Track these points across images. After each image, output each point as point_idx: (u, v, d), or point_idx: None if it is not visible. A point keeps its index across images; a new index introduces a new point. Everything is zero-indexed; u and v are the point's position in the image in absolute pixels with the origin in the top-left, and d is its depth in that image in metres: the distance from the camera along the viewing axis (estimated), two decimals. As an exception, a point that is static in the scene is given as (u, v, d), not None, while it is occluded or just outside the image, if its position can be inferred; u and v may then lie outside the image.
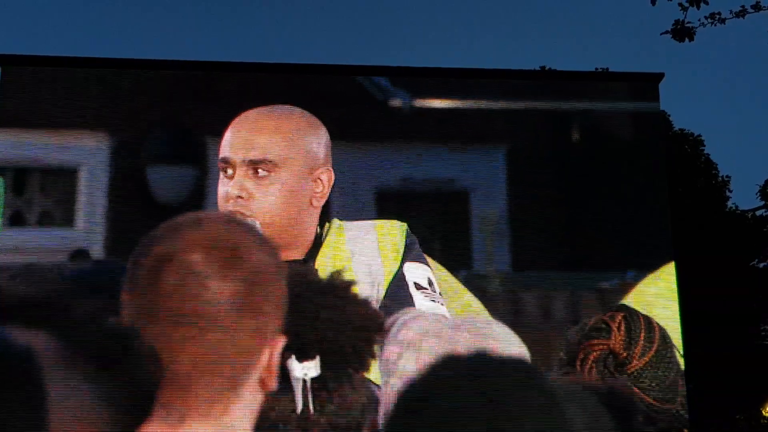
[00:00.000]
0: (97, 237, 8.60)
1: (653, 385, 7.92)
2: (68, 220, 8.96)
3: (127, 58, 10.38)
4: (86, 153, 9.17)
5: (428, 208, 9.44)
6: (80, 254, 8.55)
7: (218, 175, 7.58)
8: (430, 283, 7.89)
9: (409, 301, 7.95)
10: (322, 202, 7.49)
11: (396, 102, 9.77)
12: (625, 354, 8.20)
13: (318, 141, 7.68)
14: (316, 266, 7.44)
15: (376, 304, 6.23)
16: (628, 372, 8.11)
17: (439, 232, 9.13)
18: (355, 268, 8.08)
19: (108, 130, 9.21)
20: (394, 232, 8.56)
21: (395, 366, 4.56)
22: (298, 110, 8.15)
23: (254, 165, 7.20)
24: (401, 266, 8.16)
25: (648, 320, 8.31)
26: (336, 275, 5.03)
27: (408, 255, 8.18)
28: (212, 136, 8.78)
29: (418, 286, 7.97)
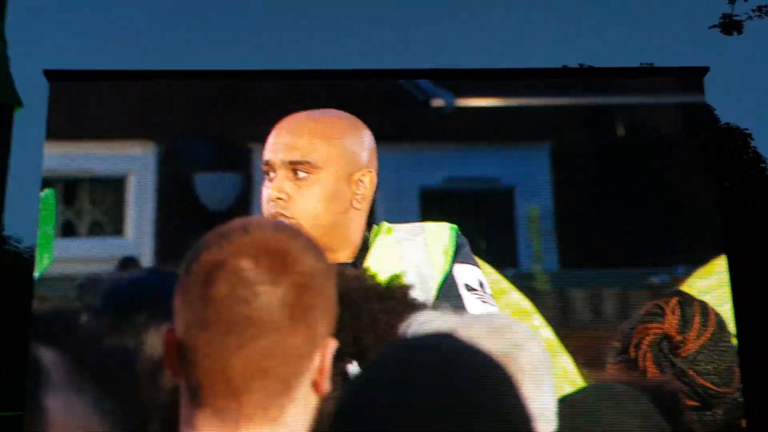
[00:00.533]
0: (147, 245, 8.69)
1: (709, 368, 7.74)
2: (118, 229, 9.06)
3: (171, 69, 10.48)
4: (134, 162, 9.28)
5: (472, 207, 9.43)
6: (129, 262, 8.65)
7: (263, 181, 7.64)
8: (481, 284, 7.85)
9: (459, 303, 7.93)
10: (366, 204, 7.49)
11: (438, 102, 9.77)
12: (679, 337, 8.04)
13: (359, 143, 7.69)
14: (365, 269, 7.45)
15: (428, 307, 6.28)
16: (683, 356, 7.96)
17: (484, 232, 9.11)
18: (405, 270, 8.08)
19: (154, 139, 9.31)
20: (443, 233, 8.55)
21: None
22: (339, 113, 8.17)
23: (294, 166, 7.24)
24: (451, 268, 8.14)
25: (703, 305, 8.12)
26: (394, 280, 5.03)
27: (458, 256, 8.16)
28: (256, 142, 8.83)
29: (468, 288, 7.94)
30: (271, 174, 7.20)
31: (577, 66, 15.69)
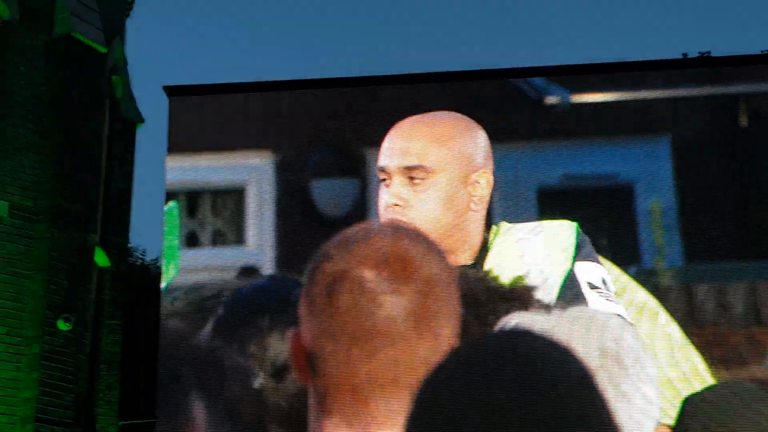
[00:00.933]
0: (267, 253, 8.78)
1: None
2: (239, 238, 9.18)
3: (283, 80, 10.59)
4: (252, 172, 9.39)
5: (591, 204, 9.24)
6: (248, 271, 8.75)
7: (379, 186, 7.63)
8: (604, 282, 7.70)
9: (582, 302, 7.79)
10: (483, 205, 7.41)
11: (552, 99, 9.62)
12: None
13: (474, 144, 7.61)
14: (486, 270, 7.36)
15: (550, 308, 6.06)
16: None
17: (604, 228, 8.92)
18: (527, 270, 7.98)
19: (271, 148, 9.41)
20: (564, 232, 8.41)
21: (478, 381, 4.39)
22: (453, 115, 8.10)
23: (409, 172, 7.20)
24: (573, 266, 7.99)
25: None
26: (517, 281, 4.96)
27: (579, 254, 8.01)
28: (371, 147, 8.84)
29: (591, 286, 7.79)
30: (387, 180, 7.17)
31: (697, 55, 15.26)
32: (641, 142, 9.56)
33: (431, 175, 7.29)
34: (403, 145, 7.56)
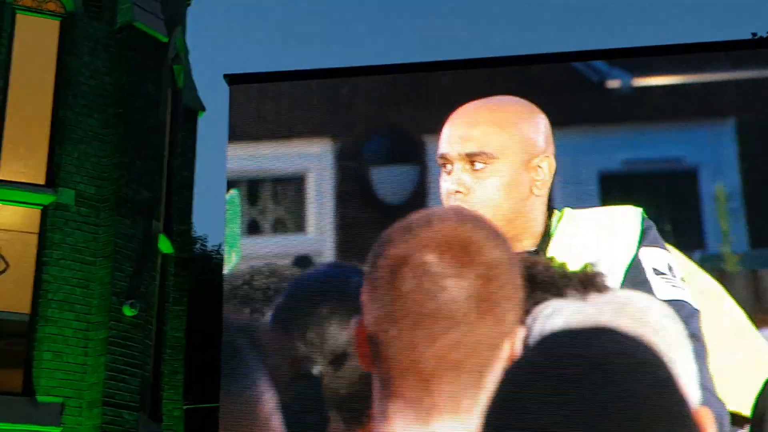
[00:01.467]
0: (328, 240, 8.77)
1: None
2: (299, 226, 9.18)
3: (342, 67, 10.57)
4: (312, 160, 9.38)
5: (654, 189, 9.10)
6: (308, 258, 8.75)
7: (439, 172, 7.57)
8: (670, 268, 7.56)
9: (647, 288, 7.67)
10: (545, 190, 7.32)
11: (614, 83, 9.48)
12: None
13: (535, 129, 7.52)
14: (549, 256, 7.30)
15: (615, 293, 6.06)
16: None
17: (667, 214, 8.78)
18: (591, 257, 7.88)
19: (331, 136, 9.39)
20: (629, 217, 8.29)
21: (540, 365, 4.31)
22: (513, 99, 8.01)
23: (471, 158, 7.13)
24: (638, 252, 7.88)
25: None
26: (587, 267, 4.84)
27: (645, 240, 7.90)
28: (429, 134, 8.78)
29: (657, 272, 7.68)
30: (448, 167, 7.11)
31: (765, 35, 14.98)
32: (705, 125, 9.39)
33: (493, 161, 7.22)
34: (464, 131, 7.50)
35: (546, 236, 7.41)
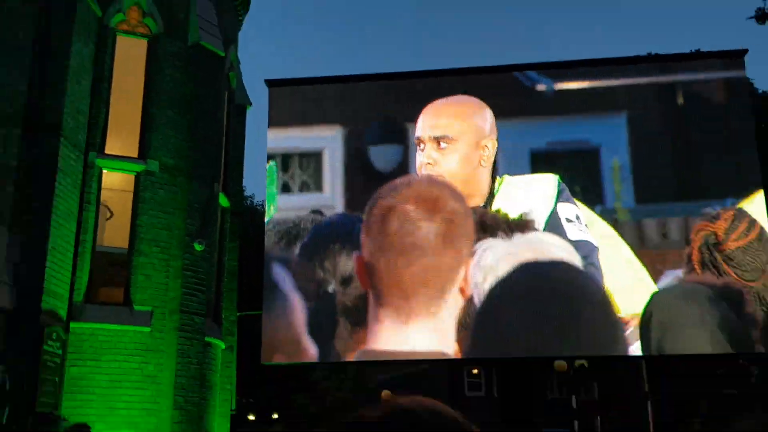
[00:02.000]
0: (339, 197, 8.83)
1: (741, 264, 7.66)
2: (319, 187, 9.24)
3: (349, 74, 10.61)
4: (327, 140, 9.39)
5: (569, 162, 9.14)
6: (324, 210, 8.83)
7: (417, 151, 7.65)
8: (578, 217, 7.70)
9: (562, 231, 7.76)
10: (490, 163, 7.46)
11: (541, 87, 9.49)
12: (723, 236, 7.99)
13: (483, 119, 7.64)
14: (494, 209, 7.42)
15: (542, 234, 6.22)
16: (722, 250, 7.80)
17: (578, 180, 8.82)
18: (523, 209, 7.98)
19: (341, 123, 9.40)
20: (549, 182, 8.39)
21: (481, 288, 4.38)
22: (468, 98, 8.13)
23: (438, 140, 7.29)
24: (555, 206, 8.00)
25: (752, 220, 7.95)
26: (521, 216, 4.87)
27: (560, 198, 8.02)
28: (410, 122, 8.81)
29: (568, 220, 7.81)
30: (422, 146, 7.37)
31: (647, 54, 14.97)
32: (605, 117, 9.43)
33: (453, 142, 7.34)
34: (433, 121, 7.62)
35: (491, 196, 7.53)
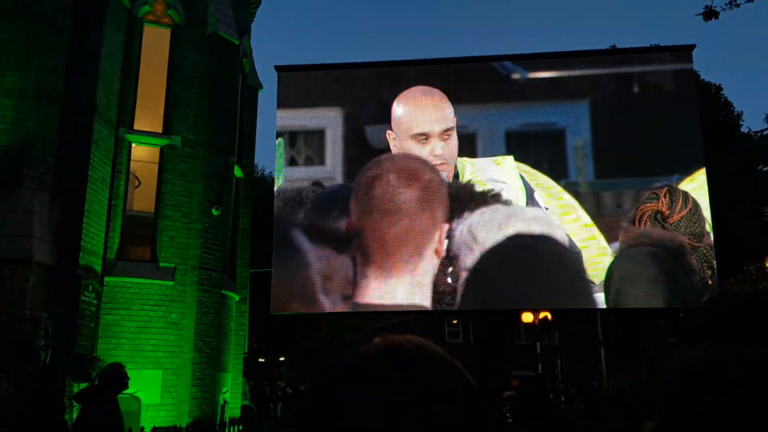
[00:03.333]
0: (338, 170, 8.84)
1: (687, 231, 8.01)
2: (321, 161, 9.25)
3: (348, 62, 10.57)
4: (329, 120, 9.38)
5: (539, 141, 9.17)
6: (319, 182, 8.85)
7: (390, 136, 7.72)
8: (546, 205, 7.97)
9: (534, 203, 7.87)
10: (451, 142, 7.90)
11: (516, 75, 9.48)
12: (668, 212, 8.32)
13: (450, 110, 7.84)
14: (468, 180, 7.52)
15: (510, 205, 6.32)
16: (670, 222, 8.13)
17: (546, 157, 8.86)
18: (487, 183, 8.06)
19: (341, 105, 9.37)
20: (508, 164, 8.46)
21: (462, 248, 4.40)
22: (431, 89, 8.35)
23: (446, 131, 7.61)
24: (529, 195, 8.16)
25: (685, 193, 8.30)
26: (487, 190, 4.92)
27: (528, 185, 8.17)
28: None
29: (546, 208, 8.05)
30: (427, 140, 7.85)
31: (608, 47, 14.90)
32: (570, 103, 9.44)
33: (453, 130, 7.65)
34: (438, 114, 8.02)
35: (457, 172, 7.70)
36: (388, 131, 8.35)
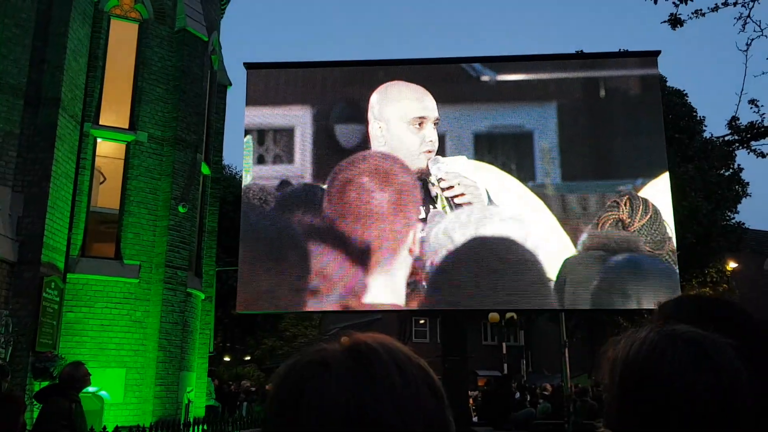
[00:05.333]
0: (308, 168, 8.81)
1: (648, 239, 8.20)
2: (290, 159, 9.20)
3: (318, 60, 10.53)
4: (298, 118, 9.34)
5: (507, 143, 9.26)
6: (287, 181, 8.81)
7: (372, 128, 7.70)
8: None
9: (491, 212, 7.99)
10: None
11: (486, 78, 9.55)
12: (628, 220, 8.55)
13: (432, 101, 7.97)
14: (437, 178, 7.62)
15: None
16: (631, 230, 8.33)
17: (514, 159, 8.95)
18: (462, 187, 8.17)
19: (310, 104, 9.33)
20: (475, 165, 8.62)
21: (430, 251, 4.45)
22: (409, 84, 8.50)
23: (438, 120, 8.07)
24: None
25: (645, 200, 8.53)
26: (464, 195, 4.98)
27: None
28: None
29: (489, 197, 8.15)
30: (422, 125, 8.17)
31: (575, 51, 15.11)
32: (538, 105, 9.55)
33: (439, 121, 7.84)
34: (430, 103, 8.24)
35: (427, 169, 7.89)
36: (373, 123, 8.35)
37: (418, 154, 7.76)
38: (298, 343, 24.95)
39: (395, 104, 8.12)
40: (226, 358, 28.33)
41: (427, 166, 7.69)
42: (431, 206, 7.09)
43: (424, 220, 7.15)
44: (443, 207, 7.19)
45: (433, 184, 7.59)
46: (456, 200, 7.37)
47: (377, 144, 7.64)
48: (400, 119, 7.88)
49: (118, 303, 10.35)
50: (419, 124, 7.82)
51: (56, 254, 9.60)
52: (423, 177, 7.49)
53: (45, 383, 7.93)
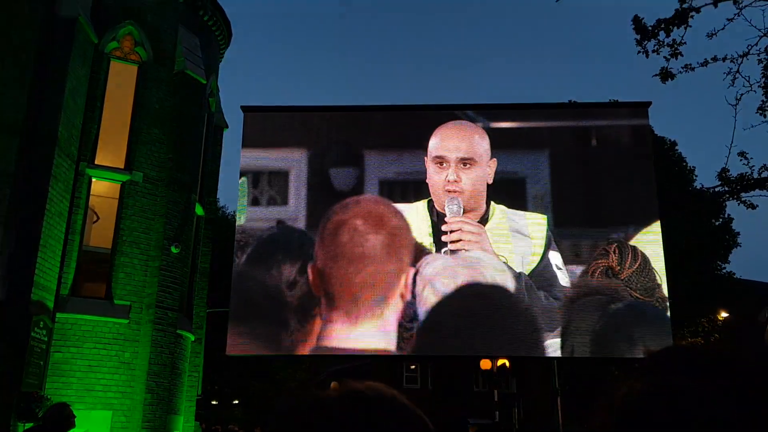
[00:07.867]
0: (302, 211, 8.81)
1: (638, 286, 8.17)
2: (284, 201, 9.21)
3: (314, 105, 10.64)
4: (293, 161, 9.38)
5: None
6: (281, 223, 8.79)
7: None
8: (563, 264, 8.32)
9: (552, 277, 8.16)
10: (491, 180, 8.54)
11: (479, 124, 9.66)
12: (618, 267, 8.53)
13: (488, 143, 8.73)
14: (487, 231, 7.96)
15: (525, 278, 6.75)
16: (621, 278, 8.31)
17: (507, 204, 9.00)
18: (513, 243, 8.27)
19: (306, 147, 9.40)
20: (541, 222, 8.64)
21: (421, 296, 4.45)
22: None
23: (463, 161, 8.27)
24: (546, 252, 8.39)
25: (634, 248, 8.56)
26: (508, 260, 5.01)
27: (549, 244, 8.41)
28: (367, 149, 8.86)
29: (558, 268, 8.27)
30: (444, 164, 8.17)
31: (567, 101, 15.38)
32: (531, 153, 9.63)
33: (474, 163, 8.18)
34: (455, 143, 8.38)
35: (485, 217, 8.04)
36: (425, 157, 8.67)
37: (441, 193, 7.86)
38: (286, 387, 24.57)
39: (432, 143, 8.35)
40: (214, 402, 27.83)
41: (444, 204, 7.74)
42: (425, 250, 7.10)
43: (416, 263, 7.19)
44: (444, 252, 7.18)
45: (489, 221, 7.92)
46: (452, 246, 7.35)
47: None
48: (429, 156, 8.12)
49: (107, 343, 10.22)
50: (440, 164, 7.97)
51: (46, 293, 9.51)
52: (430, 217, 7.55)
53: (30, 425, 7.76)
